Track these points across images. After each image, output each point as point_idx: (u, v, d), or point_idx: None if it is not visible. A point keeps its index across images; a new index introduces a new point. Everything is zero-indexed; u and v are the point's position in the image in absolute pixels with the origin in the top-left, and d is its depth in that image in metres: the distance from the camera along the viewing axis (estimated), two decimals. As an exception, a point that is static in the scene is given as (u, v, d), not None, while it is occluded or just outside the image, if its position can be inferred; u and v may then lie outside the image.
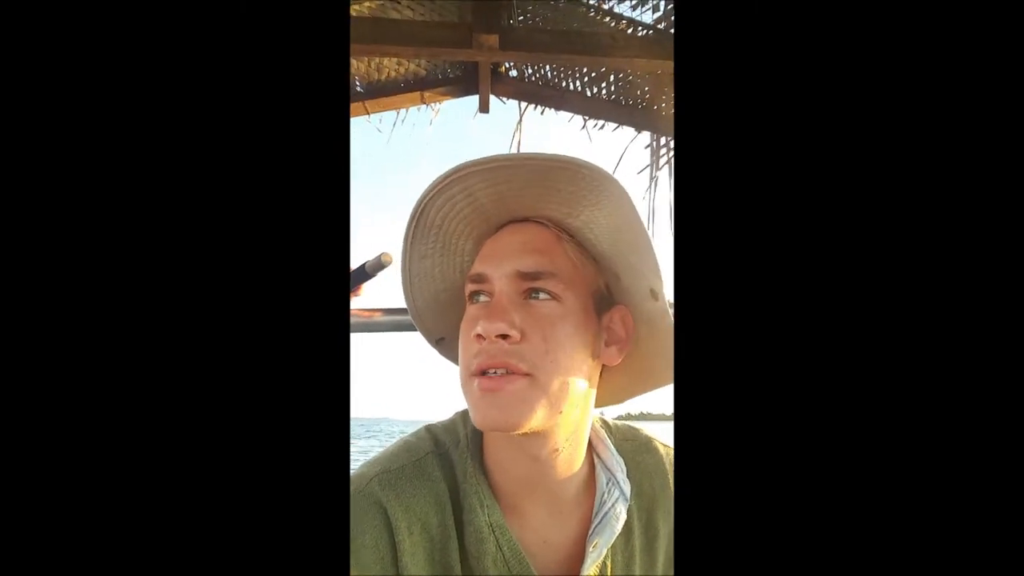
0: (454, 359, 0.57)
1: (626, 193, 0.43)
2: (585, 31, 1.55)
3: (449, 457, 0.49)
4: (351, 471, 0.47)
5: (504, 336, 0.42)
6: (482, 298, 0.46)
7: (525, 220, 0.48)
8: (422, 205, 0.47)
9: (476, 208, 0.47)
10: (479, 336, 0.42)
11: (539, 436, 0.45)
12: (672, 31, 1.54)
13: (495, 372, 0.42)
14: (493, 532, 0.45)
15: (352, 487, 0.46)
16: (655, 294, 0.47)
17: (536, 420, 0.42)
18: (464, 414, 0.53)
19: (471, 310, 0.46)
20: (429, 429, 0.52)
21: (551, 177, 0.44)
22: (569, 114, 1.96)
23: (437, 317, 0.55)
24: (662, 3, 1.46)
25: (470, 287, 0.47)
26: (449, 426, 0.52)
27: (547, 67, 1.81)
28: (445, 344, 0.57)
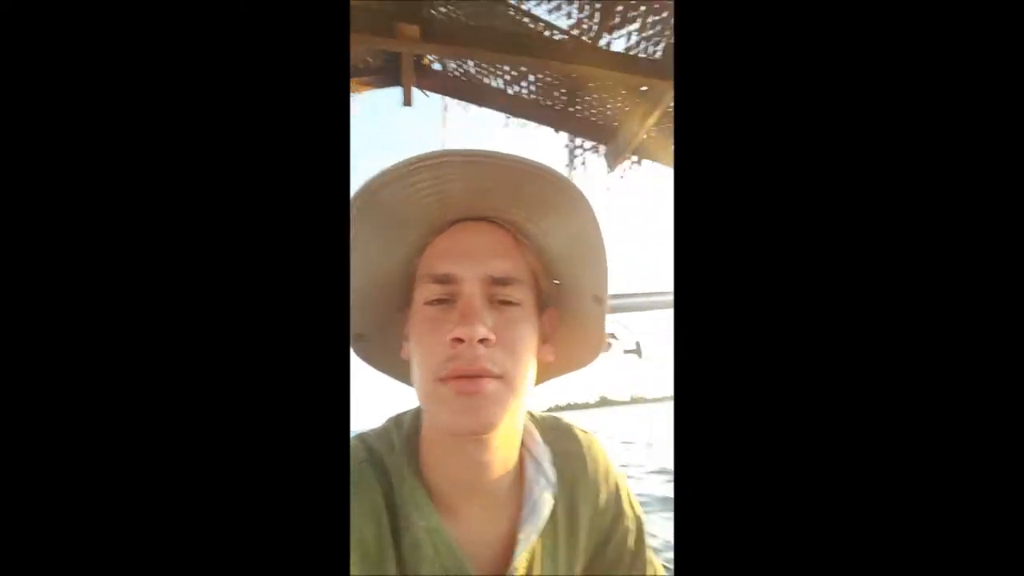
0: (372, 359, 0.56)
1: (589, 206, 0.45)
2: (505, 29, 1.62)
3: (383, 464, 0.48)
4: None
5: (482, 340, 0.42)
6: (445, 299, 0.45)
7: (480, 219, 0.48)
8: (376, 186, 0.44)
9: (441, 199, 0.46)
10: (457, 340, 0.42)
11: (485, 436, 0.45)
12: (584, 38, 1.66)
13: (468, 377, 0.42)
14: (430, 537, 0.46)
15: None
16: (599, 299, 0.50)
17: (504, 421, 0.44)
18: (397, 419, 0.52)
19: (433, 311, 0.45)
20: (361, 438, 0.51)
21: (521, 180, 0.44)
22: (491, 110, 2.02)
23: (362, 310, 0.53)
24: (574, 10, 1.57)
25: (432, 287, 0.45)
26: (382, 433, 0.51)
27: (470, 63, 1.86)
28: (364, 341, 0.55)
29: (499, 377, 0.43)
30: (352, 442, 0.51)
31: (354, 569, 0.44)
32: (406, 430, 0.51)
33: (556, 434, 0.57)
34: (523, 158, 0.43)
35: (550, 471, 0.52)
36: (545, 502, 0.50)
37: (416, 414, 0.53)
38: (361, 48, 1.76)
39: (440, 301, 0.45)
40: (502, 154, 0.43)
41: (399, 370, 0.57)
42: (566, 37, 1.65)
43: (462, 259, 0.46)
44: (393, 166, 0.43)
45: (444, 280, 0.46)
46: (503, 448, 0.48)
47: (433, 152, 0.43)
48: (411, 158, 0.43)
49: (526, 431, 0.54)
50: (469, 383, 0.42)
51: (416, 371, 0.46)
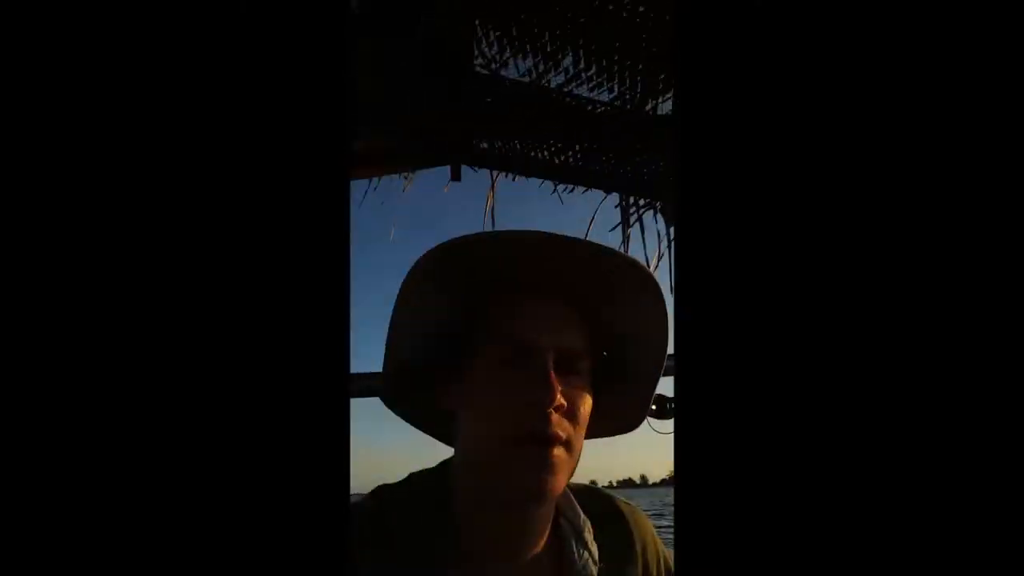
0: (400, 407, 0.57)
1: (659, 292, 0.48)
2: (547, 109, 1.63)
3: (409, 518, 0.48)
4: None
5: (557, 407, 0.45)
6: (513, 362, 0.47)
7: (550, 292, 0.49)
8: (459, 245, 0.46)
9: (516, 269, 0.48)
10: (531, 404, 0.44)
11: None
12: (629, 107, 1.63)
13: (541, 441, 0.44)
14: None
15: None
16: (648, 376, 0.53)
17: (561, 488, 0.46)
18: (421, 475, 0.53)
19: (503, 374, 0.47)
20: (386, 489, 0.51)
21: (599, 264, 0.47)
22: (539, 179, 2.03)
23: (406, 358, 0.53)
24: (616, 85, 1.54)
25: (504, 349, 0.47)
26: (406, 487, 0.52)
27: (514, 139, 1.88)
28: (395, 390, 0.55)
29: (563, 445, 0.45)
30: (375, 492, 0.51)
31: None
32: (434, 486, 0.51)
33: (595, 505, 0.56)
34: (604, 245, 0.47)
35: (592, 544, 0.51)
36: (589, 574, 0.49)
37: (442, 471, 0.52)
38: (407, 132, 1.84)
39: (509, 363, 0.47)
40: (584, 240, 0.47)
41: (424, 417, 0.58)
42: (608, 109, 1.62)
43: (539, 328, 0.48)
44: (480, 233, 0.46)
45: (519, 345, 0.47)
46: (544, 513, 0.49)
47: (523, 231, 0.46)
48: (501, 231, 0.47)
49: (563, 498, 0.54)
50: (542, 448, 0.44)
51: (475, 429, 0.47)
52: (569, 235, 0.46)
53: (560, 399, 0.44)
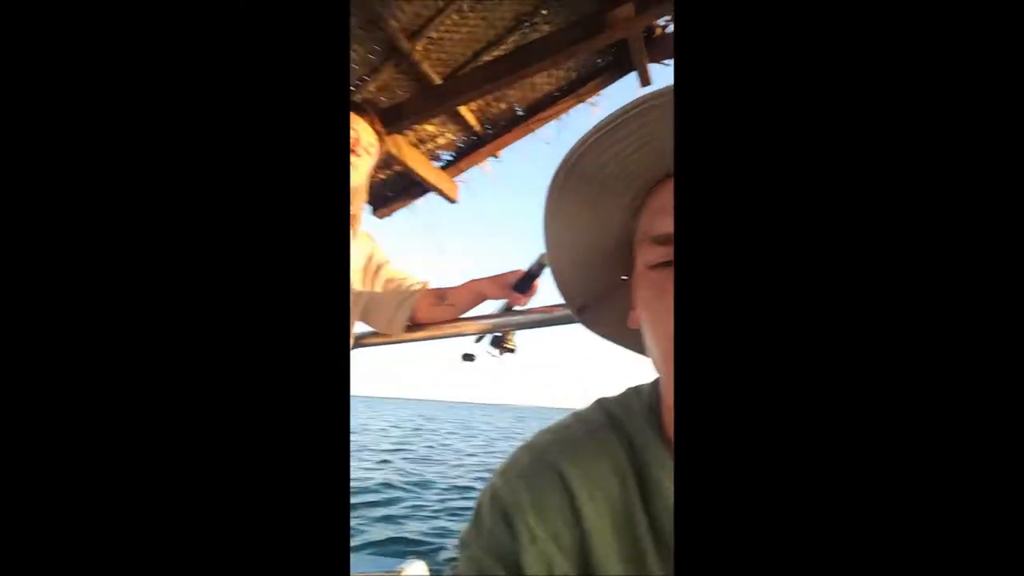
0: (597, 329, 0.55)
1: None
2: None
3: (625, 430, 0.47)
4: (528, 443, 0.50)
5: None
6: (671, 261, 0.42)
7: None
8: (578, 153, 0.41)
9: (652, 151, 0.41)
10: None
11: None
12: None
13: None
14: None
15: (528, 456, 0.46)
16: None
17: None
18: (638, 389, 0.51)
19: (658, 276, 0.41)
20: (601, 403, 0.51)
21: None
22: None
23: (580, 281, 0.51)
24: None
25: (655, 249, 0.42)
26: (621, 399, 0.50)
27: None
28: (588, 313, 0.54)
29: None
30: (591, 406, 0.51)
31: (603, 522, 0.43)
32: (646, 398, 0.49)
33: None
34: None
35: None
36: None
37: (656, 383, 0.50)
38: (585, 56, 1.77)
39: (666, 264, 0.41)
40: None
41: (628, 339, 0.55)
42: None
43: None
44: (593, 128, 0.40)
45: (667, 241, 0.41)
46: None
47: (632, 101, 0.38)
48: (610, 114, 0.39)
49: None
50: None
51: (650, 339, 0.43)
52: None
53: None
